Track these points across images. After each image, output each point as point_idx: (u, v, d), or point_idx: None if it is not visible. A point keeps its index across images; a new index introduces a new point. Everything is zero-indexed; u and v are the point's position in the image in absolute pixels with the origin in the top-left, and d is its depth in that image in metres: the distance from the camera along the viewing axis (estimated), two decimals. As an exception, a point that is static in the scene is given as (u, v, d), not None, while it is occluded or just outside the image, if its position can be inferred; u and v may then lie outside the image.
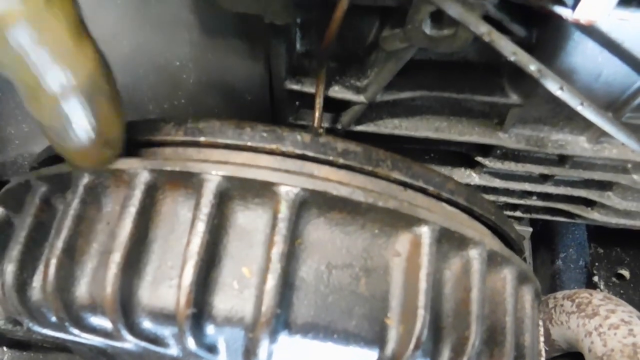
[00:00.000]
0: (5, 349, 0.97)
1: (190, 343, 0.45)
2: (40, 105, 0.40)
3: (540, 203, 0.92)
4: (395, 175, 0.51)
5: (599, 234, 1.25)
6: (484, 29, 0.49)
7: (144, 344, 0.48)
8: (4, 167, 0.80)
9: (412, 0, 0.52)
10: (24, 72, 0.38)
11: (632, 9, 0.50)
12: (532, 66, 0.50)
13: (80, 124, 0.42)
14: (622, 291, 1.22)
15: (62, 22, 0.37)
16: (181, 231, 0.46)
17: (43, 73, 0.38)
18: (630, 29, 0.53)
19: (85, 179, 0.49)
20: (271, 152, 0.49)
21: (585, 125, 0.73)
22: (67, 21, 0.37)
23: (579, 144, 0.75)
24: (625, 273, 1.25)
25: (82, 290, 0.48)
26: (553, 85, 0.51)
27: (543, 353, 0.74)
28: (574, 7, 0.48)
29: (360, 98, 0.68)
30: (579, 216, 0.93)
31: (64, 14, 0.37)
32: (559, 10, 0.49)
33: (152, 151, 0.52)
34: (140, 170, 0.47)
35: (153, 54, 0.68)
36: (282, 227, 0.44)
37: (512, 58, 0.50)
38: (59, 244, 0.47)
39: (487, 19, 0.52)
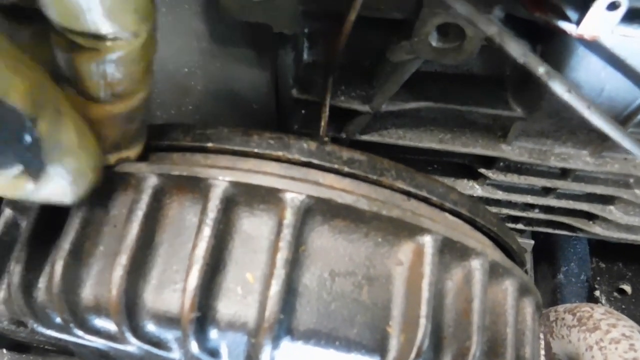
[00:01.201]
0: (4, 351, 0.97)
1: (193, 347, 0.46)
2: None
3: (542, 216, 0.92)
4: (399, 184, 0.51)
5: (601, 248, 1.25)
6: (493, 30, 0.48)
7: (146, 347, 0.48)
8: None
9: (419, 12, 0.53)
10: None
11: (636, 26, 0.50)
12: (541, 68, 0.50)
13: None
14: (623, 306, 1.22)
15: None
16: (187, 235, 0.47)
17: None
18: (634, 45, 0.54)
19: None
20: (277, 159, 0.50)
21: (587, 139, 0.74)
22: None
23: (581, 158, 0.75)
24: (627, 288, 1.25)
25: (87, 292, 0.48)
26: (561, 88, 0.50)
27: (543, 366, 0.74)
28: (578, 23, 0.49)
29: (366, 108, 0.69)
30: (581, 230, 0.94)
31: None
32: (564, 25, 0.50)
33: (160, 156, 0.52)
34: (148, 175, 0.48)
35: (162, 61, 0.68)
36: (286, 233, 0.45)
37: (521, 60, 0.50)
38: (66, 245, 0.48)
39: (493, 33, 0.53)
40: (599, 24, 0.47)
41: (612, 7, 0.45)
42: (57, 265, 0.47)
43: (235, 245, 0.47)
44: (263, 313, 0.43)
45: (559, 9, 0.48)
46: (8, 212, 0.62)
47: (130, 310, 0.46)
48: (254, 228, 0.47)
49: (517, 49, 0.49)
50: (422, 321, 0.46)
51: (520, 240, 1.10)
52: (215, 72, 0.70)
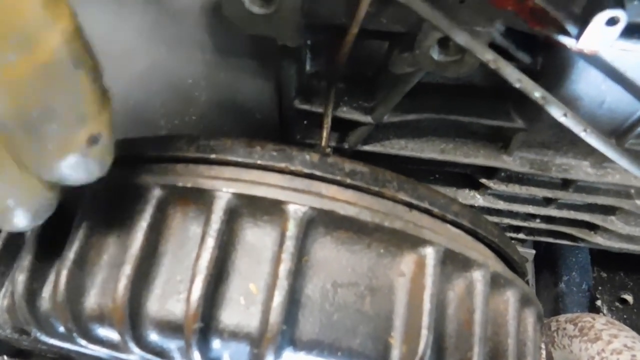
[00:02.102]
0: (5, 358, 0.97)
1: (196, 357, 0.46)
2: None
3: (543, 226, 0.93)
4: (401, 196, 0.52)
5: (603, 258, 1.25)
6: (489, 57, 0.50)
7: (149, 356, 0.49)
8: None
9: (421, 26, 0.53)
10: None
11: (635, 40, 0.51)
12: (537, 93, 0.52)
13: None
14: (625, 316, 1.22)
15: None
16: (190, 246, 0.47)
17: None
18: (633, 59, 0.54)
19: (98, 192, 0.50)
20: (280, 171, 0.50)
21: (588, 150, 0.74)
22: None
23: (582, 169, 0.76)
24: (629, 298, 1.25)
25: (91, 301, 0.48)
26: (557, 112, 0.52)
27: (545, 376, 0.74)
28: (578, 37, 0.49)
29: (368, 119, 0.69)
30: (582, 240, 0.94)
31: None
32: (564, 40, 0.50)
33: (164, 167, 0.53)
34: (152, 185, 0.48)
35: (167, 72, 0.69)
36: (289, 244, 0.45)
37: (517, 85, 0.51)
38: (71, 254, 0.48)
39: (493, 46, 0.54)
40: (598, 38, 0.47)
41: (612, 22, 0.45)
42: (62, 274, 0.48)
43: (238, 256, 0.47)
44: (266, 323, 0.44)
45: (559, 24, 0.49)
46: (13, 220, 0.63)
47: (133, 320, 0.46)
48: (257, 239, 0.47)
49: (512, 74, 0.50)
50: (424, 332, 0.46)
51: (521, 249, 1.10)
52: (219, 83, 0.70)
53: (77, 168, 0.36)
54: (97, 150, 0.36)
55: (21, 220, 0.39)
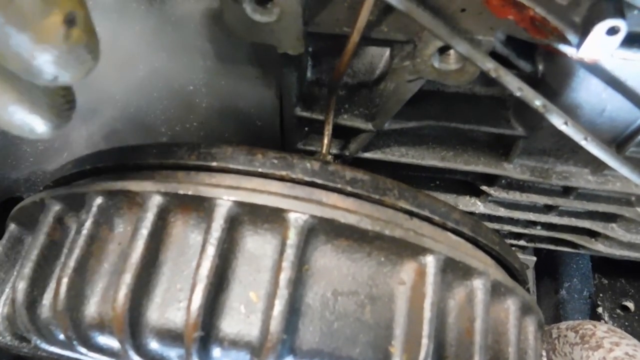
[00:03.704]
0: (5, 363, 0.96)
1: (196, 365, 0.46)
2: None
3: (544, 233, 0.93)
4: (402, 204, 0.52)
5: (604, 265, 1.25)
6: (490, 65, 0.50)
7: (149, 364, 0.49)
8: (17, 183, 0.81)
9: (422, 35, 0.53)
10: None
11: (635, 50, 0.51)
12: (537, 101, 0.52)
13: None
14: (626, 323, 1.21)
15: None
16: (191, 254, 0.47)
17: None
18: (633, 68, 0.54)
19: (99, 200, 0.50)
20: (281, 179, 0.50)
21: (589, 158, 0.74)
22: None
23: (583, 176, 0.76)
24: (630, 305, 1.24)
25: (91, 309, 0.48)
26: (557, 120, 0.53)
27: (546, 385, 0.74)
28: (578, 47, 0.49)
29: (369, 126, 0.69)
30: (583, 247, 0.94)
31: None
32: (565, 48, 0.51)
33: (165, 174, 0.53)
34: (153, 193, 0.48)
35: (168, 79, 0.69)
36: (290, 253, 0.45)
37: (517, 93, 0.51)
38: (71, 263, 0.48)
39: (494, 54, 0.54)
40: (599, 47, 0.47)
41: (612, 32, 0.45)
42: (63, 282, 0.48)
43: (239, 265, 0.47)
44: (266, 332, 0.44)
45: (560, 33, 0.49)
46: (13, 227, 0.63)
47: (133, 328, 0.46)
48: (258, 247, 0.47)
49: (513, 83, 0.50)
50: (425, 341, 0.46)
51: (522, 256, 1.10)
52: (220, 90, 0.71)
53: (62, 60, 0.33)
54: (77, 33, 0.33)
55: (40, 127, 0.38)
